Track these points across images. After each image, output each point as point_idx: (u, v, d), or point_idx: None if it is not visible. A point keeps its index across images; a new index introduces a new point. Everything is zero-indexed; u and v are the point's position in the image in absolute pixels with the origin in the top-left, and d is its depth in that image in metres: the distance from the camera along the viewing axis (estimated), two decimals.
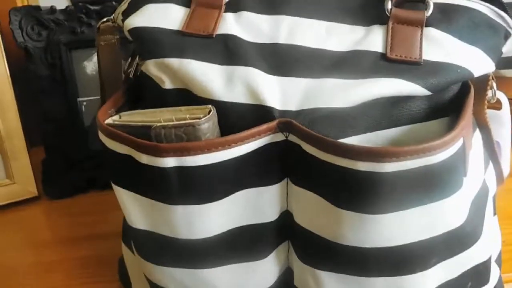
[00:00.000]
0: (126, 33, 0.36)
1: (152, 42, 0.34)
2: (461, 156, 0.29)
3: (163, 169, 0.30)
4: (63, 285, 0.46)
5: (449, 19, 0.33)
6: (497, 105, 0.37)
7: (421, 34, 0.32)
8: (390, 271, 0.30)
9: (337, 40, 0.33)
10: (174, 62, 0.33)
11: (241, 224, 0.32)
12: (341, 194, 0.29)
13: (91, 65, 0.62)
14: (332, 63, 0.32)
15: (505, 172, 0.40)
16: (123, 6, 0.38)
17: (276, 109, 0.31)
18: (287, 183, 0.32)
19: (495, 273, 0.37)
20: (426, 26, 0.32)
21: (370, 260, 0.30)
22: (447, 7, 0.33)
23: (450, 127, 0.29)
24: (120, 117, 0.34)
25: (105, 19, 0.40)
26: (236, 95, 0.31)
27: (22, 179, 0.60)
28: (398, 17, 0.33)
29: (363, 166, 0.27)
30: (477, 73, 0.31)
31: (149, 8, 0.36)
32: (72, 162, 0.61)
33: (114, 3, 0.60)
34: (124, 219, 0.37)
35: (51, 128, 0.60)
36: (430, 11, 0.33)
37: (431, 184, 0.28)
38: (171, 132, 0.30)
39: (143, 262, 0.34)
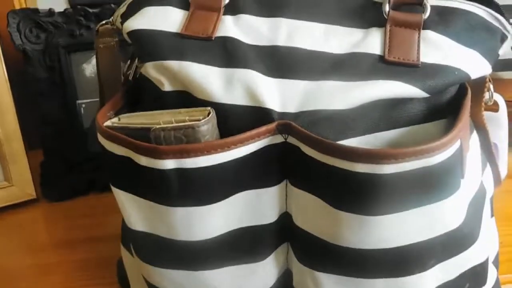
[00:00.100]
0: (125, 36, 0.36)
1: (151, 45, 0.34)
2: (458, 158, 0.29)
3: (162, 171, 0.30)
4: (62, 287, 0.46)
5: (446, 21, 0.33)
6: (494, 107, 0.37)
7: (419, 37, 0.32)
8: (388, 272, 0.30)
9: (336, 42, 0.33)
10: (173, 64, 0.33)
11: (241, 226, 0.33)
12: (340, 195, 0.29)
13: (90, 68, 0.62)
14: (330, 66, 0.32)
15: (503, 173, 0.40)
16: (122, 8, 0.38)
17: (275, 111, 0.31)
18: (286, 184, 0.32)
19: (492, 274, 0.37)
20: (423, 28, 0.33)
21: (369, 262, 0.30)
22: (444, 9, 0.34)
23: (448, 129, 0.30)
24: (119, 120, 0.34)
25: (104, 22, 0.40)
26: (235, 97, 0.31)
27: (21, 182, 0.60)
28: (396, 20, 0.33)
29: (362, 168, 0.28)
30: (474, 76, 0.31)
31: (148, 11, 0.36)
32: (71, 164, 0.61)
33: (113, 5, 0.60)
34: (123, 221, 0.37)
35: (50, 131, 0.60)
36: (428, 13, 0.33)
37: (429, 185, 0.28)
38: (170, 134, 0.30)
39: (142, 264, 0.34)
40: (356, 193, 0.28)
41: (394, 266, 0.30)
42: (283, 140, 0.31)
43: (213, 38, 0.34)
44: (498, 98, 0.37)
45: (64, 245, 0.52)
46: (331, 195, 0.30)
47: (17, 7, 0.67)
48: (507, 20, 0.34)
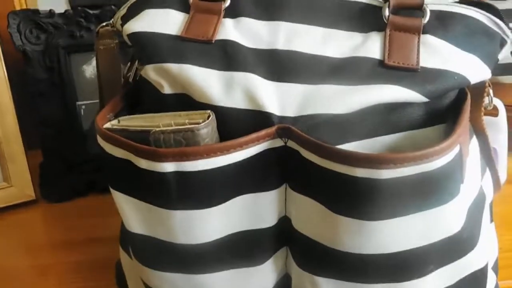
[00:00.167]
0: (125, 38, 0.36)
1: (151, 47, 0.34)
2: (458, 163, 0.29)
3: (162, 174, 0.30)
4: None
5: (445, 26, 0.33)
6: (494, 112, 0.37)
7: (419, 41, 0.32)
8: (388, 277, 0.30)
9: (335, 46, 0.33)
10: (173, 67, 0.33)
11: (240, 230, 0.32)
12: (339, 200, 0.29)
13: (90, 69, 0.62)
14: (330, 69, 0.32)
15: (502, 178, 0.40)
16: (122, 10, 0.38)
17: (275, 115, 0.31)
18: (286, 188, 0.32)
19: (492, 280, 0.37)
20: (423, 33, 0.33)
21: (368, 267, 0.30)
22: (444, 14, 0.34)
23: (447, 133, 0.30)
24: (118, 122, 0.34)
25: (104, 24, 0.40)
26: (235, 101, 0.31)
27: (20, 182, 0.60)
28: (396, 24, 0.33)
29: (361, 172, 0.27)
30: (474, 80, 0.32)
31: (148, 13, 0.36)
32: (70, 165, 0.61)
33: (113, 7, 0.61)
34: (122, 224, 0.37)
35: (50, 132, 0.60)
36: (427, 18, 0.33)
37: (429, 190, 0.28)
38: (170, 137, 0.30)
39: (140, 267, 0.34)
40: (356, 197, 0.28)
41: (393, 271, 0.30)
42: (283, 144, 0.31)
43: (213, 41, 0.34)
44: (498, 103, 0.37)
45: (63, 246, 0.52)
46: (330, 200, 0.29)
47: (18, 8, 0.67)
48: (507, 24, 0.34)
